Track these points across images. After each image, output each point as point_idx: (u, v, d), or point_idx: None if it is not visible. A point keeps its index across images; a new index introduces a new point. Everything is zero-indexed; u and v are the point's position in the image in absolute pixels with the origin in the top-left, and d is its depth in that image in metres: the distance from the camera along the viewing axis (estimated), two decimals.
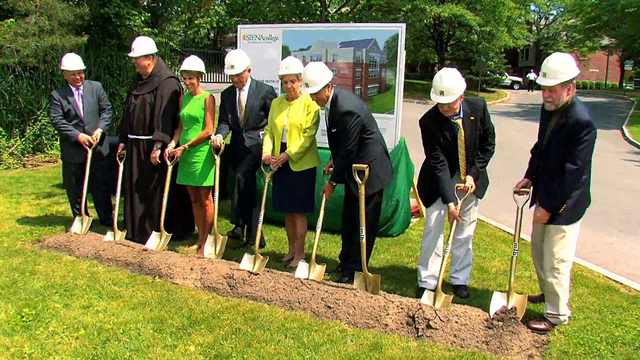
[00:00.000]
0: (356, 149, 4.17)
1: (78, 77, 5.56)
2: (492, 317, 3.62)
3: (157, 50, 5.24)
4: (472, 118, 3.93)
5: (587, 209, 3.66)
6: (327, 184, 4.37)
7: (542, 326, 3.68)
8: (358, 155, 4.21)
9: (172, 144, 5.09)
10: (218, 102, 5.11)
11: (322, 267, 4.35)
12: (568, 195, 3.49)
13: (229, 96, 5.02)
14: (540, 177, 3.73)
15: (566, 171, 3.42)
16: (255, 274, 4.28)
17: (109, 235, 5.25)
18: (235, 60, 4.81)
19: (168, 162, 5.03)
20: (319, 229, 4.32)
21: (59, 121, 5.53)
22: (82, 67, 5.56)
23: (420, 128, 4.06)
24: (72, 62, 5.49)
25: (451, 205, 3.94)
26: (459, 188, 4.01)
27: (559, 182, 3.48)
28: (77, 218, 5.57)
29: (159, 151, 5.12)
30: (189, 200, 5.29)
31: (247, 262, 4.46)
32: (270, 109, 4.77)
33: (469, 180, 4.01)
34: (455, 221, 3.97)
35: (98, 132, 5.62)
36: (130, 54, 5.16)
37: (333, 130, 4.29)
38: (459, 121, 3.91)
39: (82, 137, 5.51)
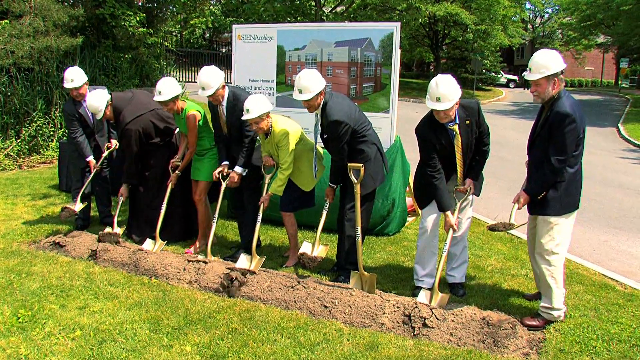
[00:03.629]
0: (346, 153, 4.24)
1: (81, 92, 5.49)
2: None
3: (105, 99, 5.15)
4: (467, 122, 3.92)
5: (580, 203, 3.67)
6: (328, 188, 4.53)
7: (535, 323, 3.69)
8: (351, 156, 4.26)
9: (177, 156, 5.18)
10: None
11: (326, 247, 4.46)
12: (547, 183, 3.55)
13: (213, 110, 4.92)
14: (530, 169, 3.81)
15: (548, 161, 3.49)
16: (252, 272, 4.28)
17: None
18: (206, 81, 4.58)
19: (171, 172, 5.13)
20: (319, 230, 4.39)
21: (79, 138, 5.54)
22: (80, 83, 5.45)
23: (416, 137, 4.06)
24: (69, 80, 5.44)
25: (448, 214, 3.95)
26: (458, 189, 4.02)
27: (541, 171, 3.57)
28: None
29: (126, 192, 5.30)
30: (188, 205, 5.34)
31: (243, 262, 4.45)
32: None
33: (469, 183, 4.04)
34: (451, 229, 3.98)
35: (114, 144, 5.67)
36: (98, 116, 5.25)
37: (324, 137, 4.34)
38: (456, 127, 3.91)
39: (92, 162, 5.57)
